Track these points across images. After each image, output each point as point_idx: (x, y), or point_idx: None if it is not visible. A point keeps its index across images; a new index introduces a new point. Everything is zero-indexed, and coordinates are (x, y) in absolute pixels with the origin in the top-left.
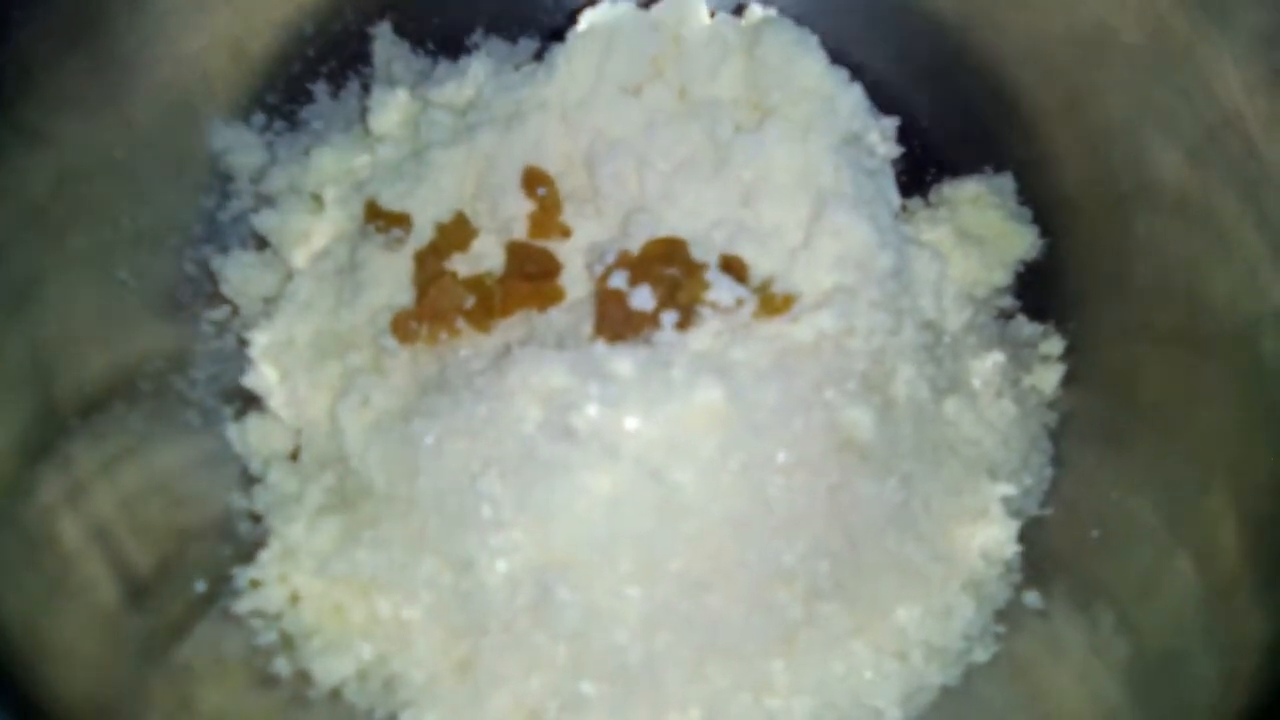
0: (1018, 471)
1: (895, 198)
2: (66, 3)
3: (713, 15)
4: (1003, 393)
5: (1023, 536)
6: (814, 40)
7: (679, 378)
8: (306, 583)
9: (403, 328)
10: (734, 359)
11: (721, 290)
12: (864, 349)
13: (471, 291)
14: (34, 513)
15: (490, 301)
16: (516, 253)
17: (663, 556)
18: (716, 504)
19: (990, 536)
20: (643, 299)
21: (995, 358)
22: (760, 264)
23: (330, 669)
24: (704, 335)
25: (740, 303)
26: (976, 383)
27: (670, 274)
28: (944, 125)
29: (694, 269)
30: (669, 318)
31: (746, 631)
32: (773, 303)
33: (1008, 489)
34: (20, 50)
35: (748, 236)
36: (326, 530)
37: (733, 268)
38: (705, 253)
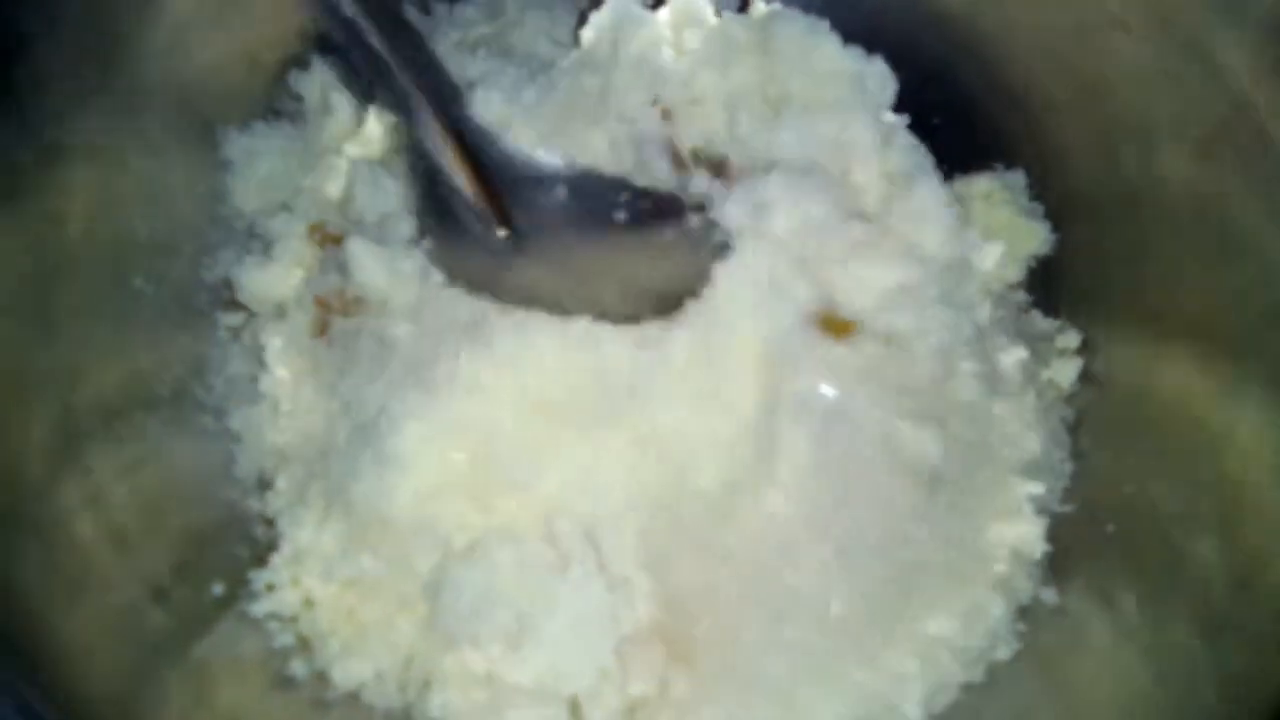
0: (1044, 469)
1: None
2: (82, 16)
3: (718, 15)
4: (1026, 388)
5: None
6: (825, 25)
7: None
8: (318, 586)
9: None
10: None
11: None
12: (926, 352)
13: None
14: (55, 516)
15: None
16: None
17: (673, 549)
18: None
19: (1020, 536)
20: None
21: (1019, 353)
22: None
23: (349, 671)
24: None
25: None
26: (1007, 379)
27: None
28: (953, 122)
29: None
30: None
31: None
32: (834, 325)
33: (1037, 487)
34: (36, 64)
35: None
36: (331, 534)
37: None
38: None
